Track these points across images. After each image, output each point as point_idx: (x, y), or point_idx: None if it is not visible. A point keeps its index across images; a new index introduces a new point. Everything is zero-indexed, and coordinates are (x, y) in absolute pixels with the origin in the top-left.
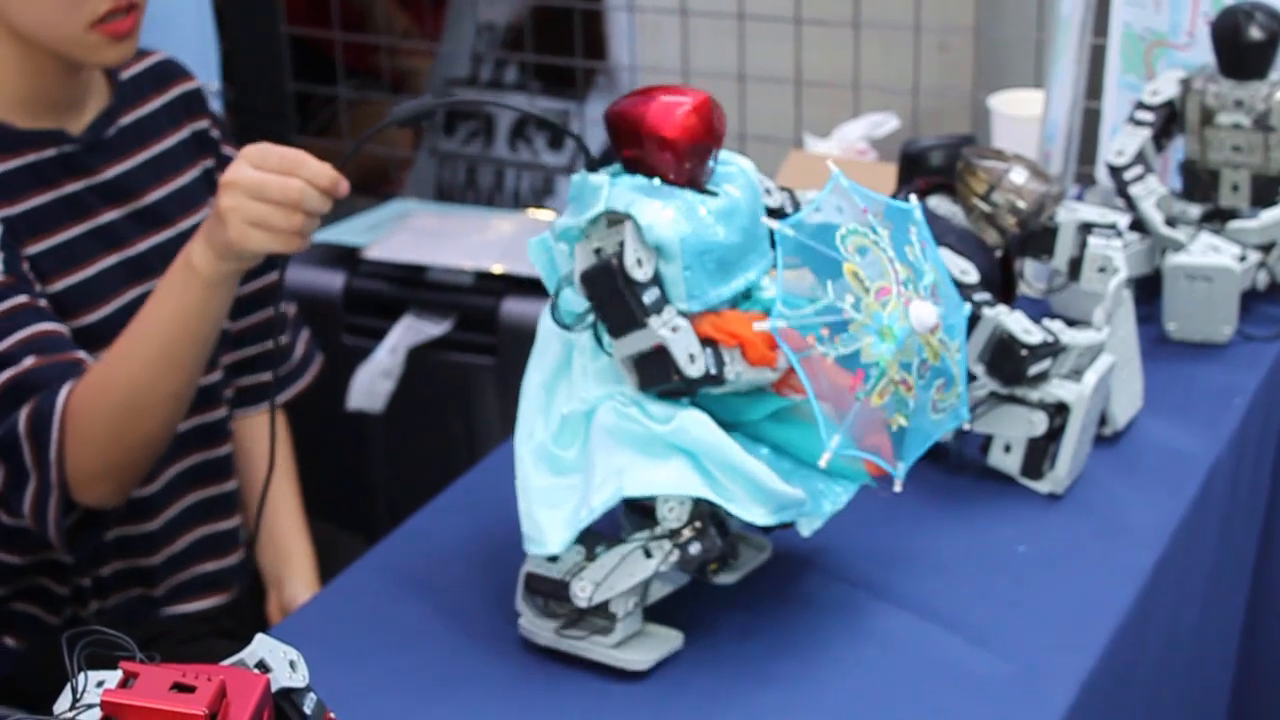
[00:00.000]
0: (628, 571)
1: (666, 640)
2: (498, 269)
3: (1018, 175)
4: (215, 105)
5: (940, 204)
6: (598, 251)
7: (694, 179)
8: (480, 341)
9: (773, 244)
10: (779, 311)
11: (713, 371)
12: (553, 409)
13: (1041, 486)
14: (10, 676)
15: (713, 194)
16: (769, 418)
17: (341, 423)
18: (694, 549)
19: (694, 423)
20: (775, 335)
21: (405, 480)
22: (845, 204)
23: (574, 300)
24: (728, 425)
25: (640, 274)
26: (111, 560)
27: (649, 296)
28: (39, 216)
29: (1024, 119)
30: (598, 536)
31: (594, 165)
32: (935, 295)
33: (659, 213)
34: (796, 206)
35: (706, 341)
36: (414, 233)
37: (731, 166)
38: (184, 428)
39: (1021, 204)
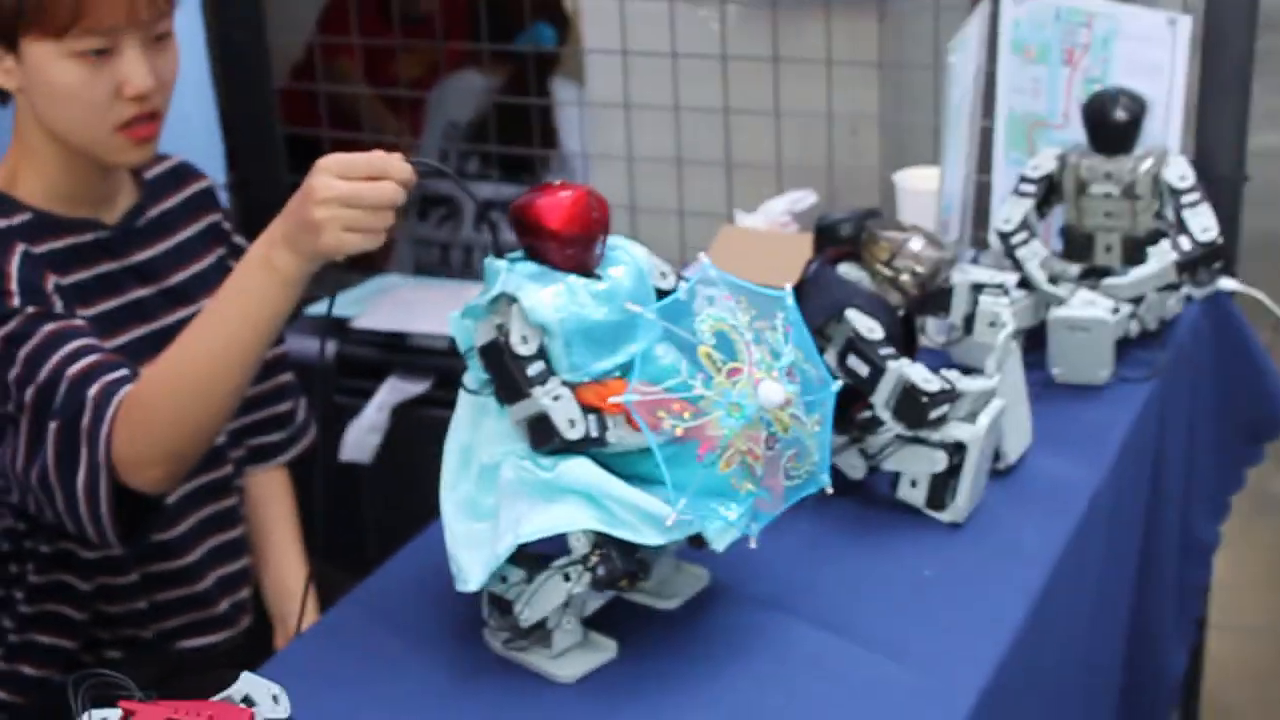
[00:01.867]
0: (550, 594)
1: (601, 650)
2: None
3: (915, 244)
4: (223, 195)
5: (850, 270)
6: (499, 327)
7: (581, 264)
8: (456, 399)
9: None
10: (634, 387)
11: (593, 434)
12: (473, 463)
13: (945, 516)
14: (43, 707)
15: (598, 278)
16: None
17: (335, 473)
18: (601, 571)
19: (575, 465)
20: (629, 408)
21: (391, 523)
22: (712, 291)
23: (479, 369)
24: (626, 476)
25: (525, 349)
26: (139, 598)
27: (533, 369)
28: (80, 291)
29: (925, 192)
30: (539, 561)
31: (499, 251)
32: (791, 375)
33: (540, 296)
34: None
35: (591, 409)
36: (397, 304)
37: (621, 252)
38: (195, 484)
39: (919, 269)
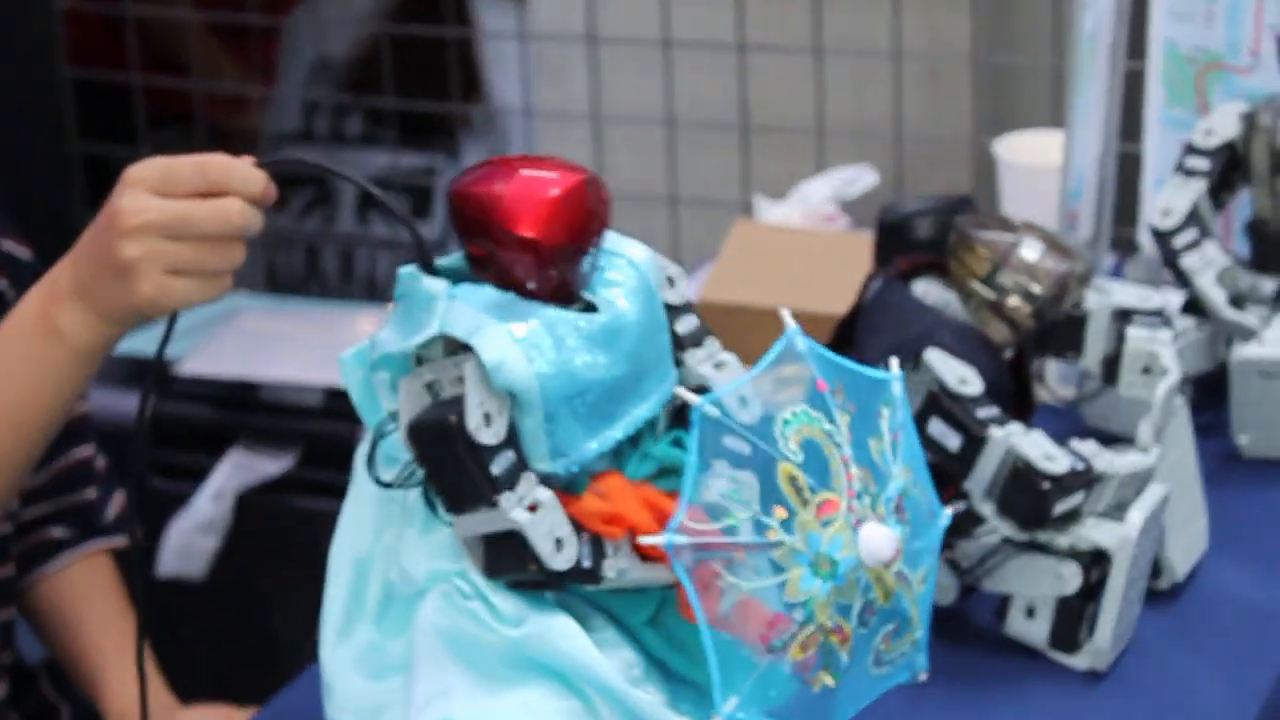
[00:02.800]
0: None
1: None
2: None
3: (1030, 250)
4: None
5: (930, 290)
6: (430, 386)
7: (562, 286)
8: (333, 481)
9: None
10: (680, 521)
11: (585, 565)
12: (371, 585)
13: (1078, 662)
14: None
15: (588, 307)
16: (651, 621)
17: (149, 593)
18: None
19: (557, 630)
20: (669, 553)
21: (234, 672)
22: (797, 373)
23: (398, 448)
24: (603, 621)
25: (488, 436)
26: None
27: (499, 465)
28: None
29: (1041, 169)
30: None
31: (428, 260)
32: (900, 510)
33: (510, 346)
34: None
35: (581, 528)
36: (243, 338)
37: (619, 260)
38: None
39: (1036, 288)
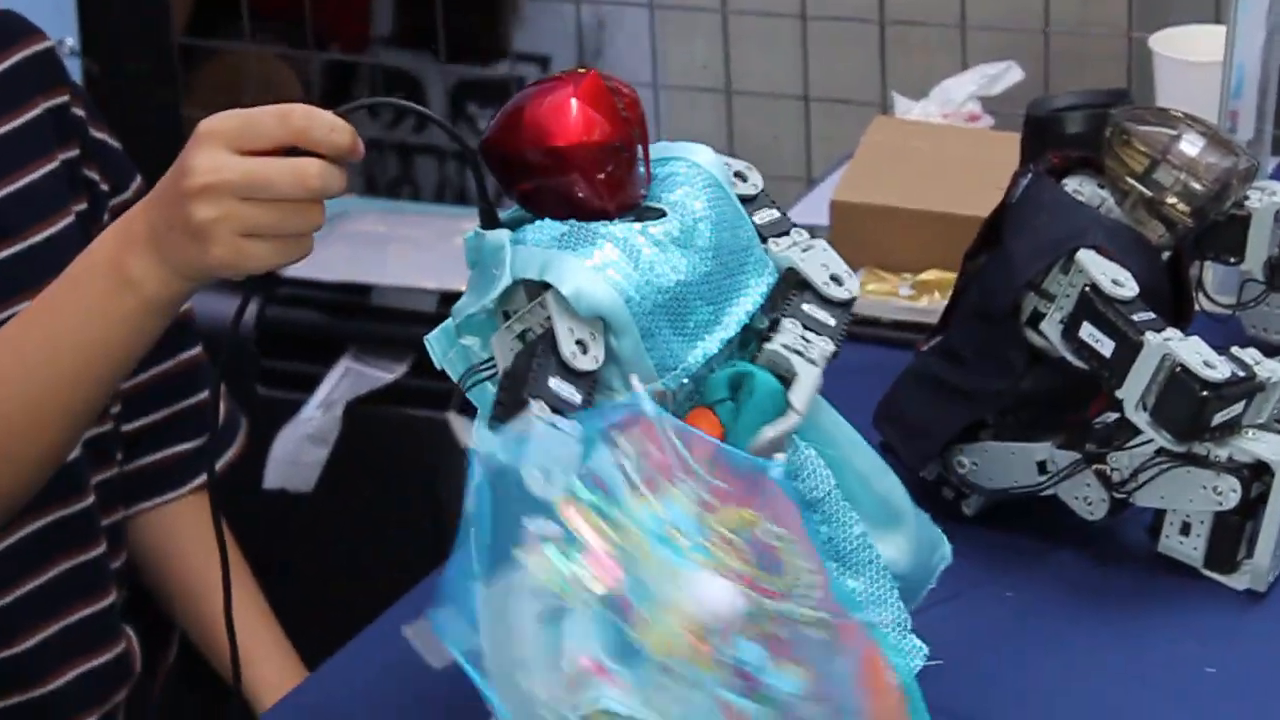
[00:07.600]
0: None
1: None
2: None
3: (1191, 144)
4: (73, 66)
5: (1083, 187)
6: (522, 336)
7: (621, 197)
8: (447, 389)
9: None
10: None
11: None
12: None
13: (1236, 581)
14: None
15: (656, 212)
16: None
17: (256, 507)
18: None
19: None
20: None
21: (344, 587)
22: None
23: (490, 399)
24: None
25: (586, 363)
26: None
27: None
28: None
29: (1199, 64)
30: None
31: (492, 215)
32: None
33: (585, 272)
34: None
35: None
36: (351, 241)
37: (678, 164)
38: (32, 527)
39: (1197, 185)
